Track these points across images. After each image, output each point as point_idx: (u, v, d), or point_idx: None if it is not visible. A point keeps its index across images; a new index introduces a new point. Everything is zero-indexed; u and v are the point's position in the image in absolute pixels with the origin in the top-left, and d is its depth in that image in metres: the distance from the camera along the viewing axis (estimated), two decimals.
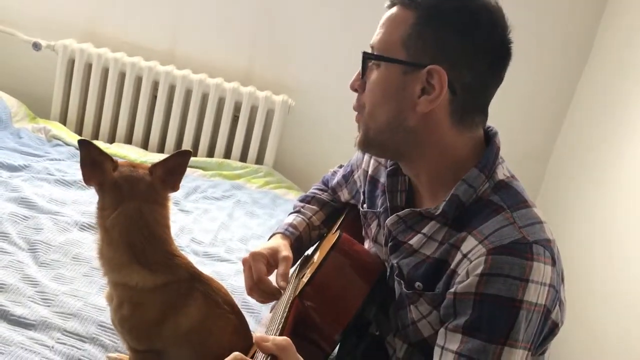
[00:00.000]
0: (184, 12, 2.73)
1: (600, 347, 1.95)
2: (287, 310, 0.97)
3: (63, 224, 1.80)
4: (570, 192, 2.43)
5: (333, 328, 0.99)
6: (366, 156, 1.23)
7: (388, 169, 1.10)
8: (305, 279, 1.06)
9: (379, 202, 1.13)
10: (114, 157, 1.14)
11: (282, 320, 0.93)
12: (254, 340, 0.75)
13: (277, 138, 2.71)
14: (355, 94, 1.03)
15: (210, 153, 2.75)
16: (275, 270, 1.15)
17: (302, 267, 1.24)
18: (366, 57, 0.98)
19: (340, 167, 1.40)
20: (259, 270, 1.13)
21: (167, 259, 1.12)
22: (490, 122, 1.04)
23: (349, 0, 2.64)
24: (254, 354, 0.83)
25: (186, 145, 2.72)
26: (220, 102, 2.70)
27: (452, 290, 0.91)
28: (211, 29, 2.74)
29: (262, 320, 1.53)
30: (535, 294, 0.87)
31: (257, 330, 1.45)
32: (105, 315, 1.42)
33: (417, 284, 0.98)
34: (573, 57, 2.57)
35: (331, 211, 1.37)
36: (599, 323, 1.99)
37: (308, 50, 2.73)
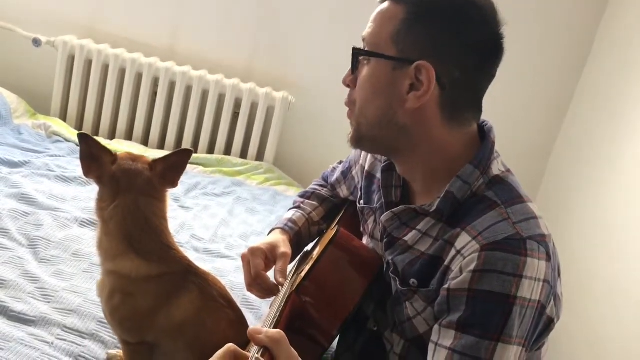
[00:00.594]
0: (184, 8, 2.73)
1: (600, 344, 1.95)
2: (283, 304, 0.97)
3: (63, 220, 1.80)
4: (571, 190, 2.43)
5: (331, 323, 0.99)
6: (363, 152, 1.23)
7: (382, 164, 1.10)
8: (303, 274, 1.06)
9: (375, 198, 1.13)
10: (113, 151, 1.15)
11: (277, 314, 0.93)
12: (247, 333, 0.74)
13: (277, 135, 2.71)
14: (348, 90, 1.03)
15: (211, 149, 2.75)
16: (274, 267, 1.15)
17: (302, 262, 1.24)
18: (356, 53, 0.98)
19: (340, 163, 1.40)
20: (256, 266, 1.13)
21: (163, 251, 1.13)
22: (492, 120, 1.03)
23: None
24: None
25: (186, 141, 2.72)
26: (221, 99, 2.69)
27: (445, 286, 0.90)
28: (212, 26, 2.74)
29: (262, 316, 1.53)
30: (529, 290, 0.86)
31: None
32: None
33: (412, 280, 0.98)
34: (574, 55, 2.57)
35: (331, 207, 1.36)
36: (599, 320, 1.99)
37: (308, 46, 2.72)
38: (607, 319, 1.94)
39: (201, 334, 1.11)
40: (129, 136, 2.77)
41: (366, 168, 1.19)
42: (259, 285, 1.14)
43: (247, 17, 2.71)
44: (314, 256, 1.14)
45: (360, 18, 2.56)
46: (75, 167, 2.26)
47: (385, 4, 0.97)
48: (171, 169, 1.15)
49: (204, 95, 2.69)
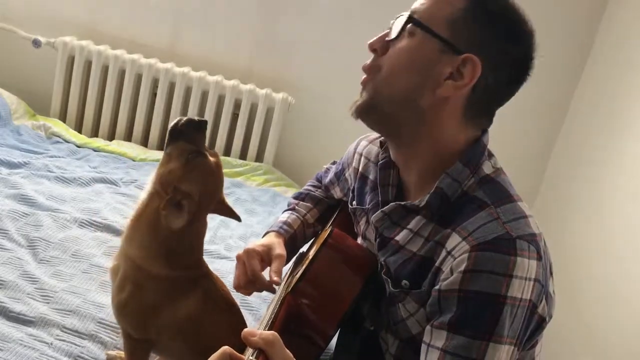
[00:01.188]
0: (184, 9, 2.73)
1: (596, 344, 1.95)
2: (278, 306, 0.97)
3: (62, 221, 1.80)
4: (571, 190, 2.43)
5: (327, 323, 0.99)
6: (356, 154, 1.23)
7: (380, 162, 1.09)
8: (298, 275, 1.06)
9: (368, 198, 1.13)
10: None
11: (272, 317, 0.93)
12: (242, 336, 0.74)
13: (277, 136, 2.71)
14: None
15: None
16: (269, 268, 1.15)
17: (297, 264, 1.24)
18: (410, 21, 0.95)
19: (334, 163, 1.39)
20: (253, 267, 1.14)
21: (191, 263, 1.14)
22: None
23: None
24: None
25: None
26: (220, 100, 2.69)
27: (437, 287, 0.91)
28: (211, 27, 2.74)
29: (260, 318, 1.53)
30: (520, 289, 0.87)
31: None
32: (105, 312, 1.42)
33: (404, 282, 0.98)
34: (574, 55, 2.57)
35: (325, 208, 1.37)
36: (596, 320, 1.99)
37: (308, 48, 2.73)
38: (605, 317, 1.94)
39: (200, 334, 1.11)
40: (128, 137, 2.77)
41: (360, 170, 1.19)
42: (255, 286, 1.14)
43: (247, 17, 2.72)
44: (309, 257, 1.14)
45: (360, 19, 2.57)
46: (74, 167, 2.26)
47: None
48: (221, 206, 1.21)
49: (204, 96, 2.69)
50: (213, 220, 2.10)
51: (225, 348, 0.72)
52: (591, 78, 2.51)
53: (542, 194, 2.67)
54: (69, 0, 2.76)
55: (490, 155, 1.01)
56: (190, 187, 1.07)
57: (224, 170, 2.75)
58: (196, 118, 1.11)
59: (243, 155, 2.76)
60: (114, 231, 1.82)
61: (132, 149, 2.60)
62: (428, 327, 0.92)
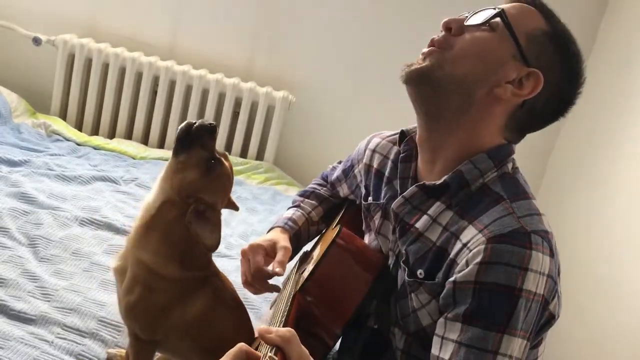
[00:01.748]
0: (184, 7, 2.73)
1: (598, 342, 1.95)
2: (289, 304, 0.97)
3: (63, 219, 1.80)
4: (571, 188, 2.43)
5: (335, 322, 0.99)
6: (367, 151, 1.24)
7: (401, 155, 1.11)
8: (305, 274, 1.06)
9: (383, 192, 1.14)
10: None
11: (285, 314, 0.93)
12: (257, 333, 0.75)
13: (277, 134, 2.71)
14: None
15: None
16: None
17: (302, 263, 1.23)
18: (498, 16, 0.98)
19: (340, 163, 1.40)
20: (257, 262, 1.14)
21: (202, 264, 1.13)
22: None
23: None
24: (257, 348, 0.83)
25: None
26: (221, 98, 2.69)
27: (451, 279, 0.91)
28: (212, 25, 2.73)
29: (262, 316, 1.53)
30: (535, 283, 0.87)
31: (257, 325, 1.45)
32: (105, 311, 1.42)
33: (419, 271, 0.99)
34: None
35: (330, 207, 1.37)
36: (597, 318, 1.99)
37: (309, 46, 2.72)
38: (606, 316, 1.94)
39: (207, 332, 1.11)
40: (128, 135, 2.77)
41: (375, 166, 1.20)
42: (258, 281, 1.14)
43: (247, 16, 2.71)
44: (314, 256, 1.14)
45: (360, 18, 2.57)
46: (75, 166, 2.26)
47: (534, 9, 1.01)
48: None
49: (204, 94, 2.69)
50: None
51: (242, 345, 0.72)
52: (591, 78, 2.49)
53: (542, 194, 2.67)
54: None
55: (513, 159, 1.04)
56: (214, 197, 1.07)
57: None
58: (207, 122, 1.07)
59: (243, 154, 2.75)
60: (115, 229, 1.82)
61: (133, 147, 2.60)
62: (441, 320, 0.92)
